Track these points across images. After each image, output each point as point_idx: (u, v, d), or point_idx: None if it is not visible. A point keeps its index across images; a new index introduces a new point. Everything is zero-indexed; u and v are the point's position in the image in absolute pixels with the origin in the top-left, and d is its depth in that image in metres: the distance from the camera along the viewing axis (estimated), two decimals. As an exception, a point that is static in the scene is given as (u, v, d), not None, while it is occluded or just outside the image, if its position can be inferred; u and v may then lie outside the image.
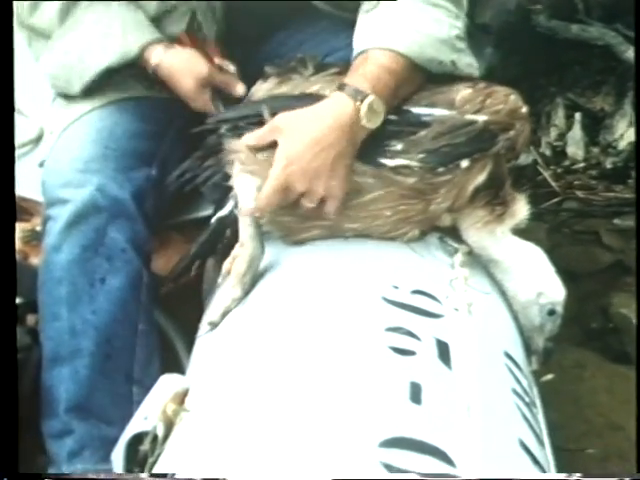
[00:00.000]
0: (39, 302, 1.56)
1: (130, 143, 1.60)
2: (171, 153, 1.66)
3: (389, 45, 1.40)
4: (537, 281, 1.44)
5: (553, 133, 3.08)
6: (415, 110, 1.41)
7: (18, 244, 1.75)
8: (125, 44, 1.56)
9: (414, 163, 1.37)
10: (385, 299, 1.25)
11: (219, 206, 1.52)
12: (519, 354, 1.35)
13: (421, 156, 1.37)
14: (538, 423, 1.26)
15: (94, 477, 1.47)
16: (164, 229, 1.65)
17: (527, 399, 1.24)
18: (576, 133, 3.04)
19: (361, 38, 1.45)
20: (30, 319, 1.63)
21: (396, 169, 1.38)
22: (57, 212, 1.53)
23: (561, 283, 1.45)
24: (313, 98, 1.40)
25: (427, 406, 1.06)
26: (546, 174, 3.01)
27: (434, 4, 1.46)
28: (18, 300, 1.59)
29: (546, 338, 1.45)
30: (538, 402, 1.36)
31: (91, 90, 1.60)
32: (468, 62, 1.47)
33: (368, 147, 1.38)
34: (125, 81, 1.63)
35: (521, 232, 1.49)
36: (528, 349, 1.44)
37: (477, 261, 1.46)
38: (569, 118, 3.07)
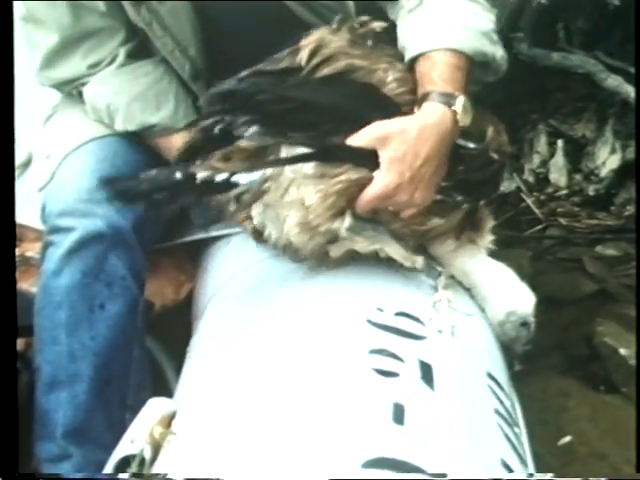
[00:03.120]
0: (36, 326, 1.58)
1: (130, 174, 1.61)
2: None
3: (447, 44, 1.43)
4: (506, 301, 1.48)
5: (536, 160, 3.09)
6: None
7: (7, 269, 1.76)
8: (176, 115, 1.64)
9: (447, 199, 1.43)
10: (369, 321, 1.27)
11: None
12: (502, 375, 1.37)
13: (452, 192, 1.43)
14: (521, 444, 1.27)
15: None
16: (154, 254, 1.67)
17: (509, 419, 1.26)
18: (558, 160, 3.05)
19: (415, 39, 1.47)
20: (19, 343, 1.64)
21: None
22: (59, 239, 1.55)
23: (529, 291, 1.49)
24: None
25: (410, 426, 1.08)
26: (529, 201, 3.01)
27: None
28: (6, 324, 1.60)
29: (523, 344, 1.50)
30: (522, 423, 1.37)
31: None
32: (502, 55, 1.51)
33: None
34: None
35: (505, 259, 1.52)
36: (509, 355, 1.48)
37: (460, 283, 1.48)
38: (551, 145, 3.07)
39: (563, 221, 2.97)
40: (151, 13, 1.62)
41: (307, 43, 1.43)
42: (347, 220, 1.37)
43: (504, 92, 3.00)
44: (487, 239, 1.49)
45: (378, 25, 1.50)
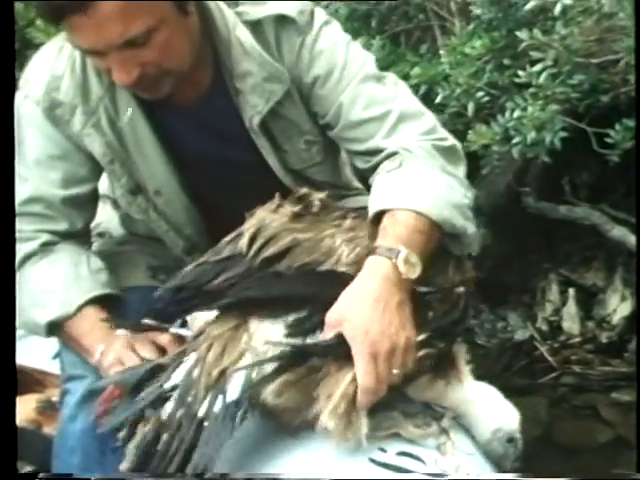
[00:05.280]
0: (53, 469, 1.63)
1: None
2: None
3: (411, 206, 1.46)
4: (492, 419, 1.51)
5: (549, 309, 3.12)
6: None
7: (33, 414, 1.84)
8: (65, 300, 1.61)
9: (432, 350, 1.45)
10: (372, 460, 1.33)
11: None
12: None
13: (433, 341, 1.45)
14: None
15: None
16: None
17: None
18: (571, 308, 3.08)
19: (384, 195, 1.52)
20: (42, 489, 1.69)
21: None
22: (74, 386, 1.63)
23: (513, 408, 1.53)
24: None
25: None
26: (543, 349, 3.03)
27: (449, 172, 1.58)
28: (29, 468, 1.66)
29: (512, 460, 1.52)
30: None
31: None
32: (474, 231, 1.55)
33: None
34: None
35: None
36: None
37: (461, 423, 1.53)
38: (563, 293, 3.11)
39: (577, 368, 2.98)
40: (148, 202, 1.72)
41: (248, 227, 1.48)
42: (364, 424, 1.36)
43: (514, 243, 3.08)
44: (465, 369, 1.52)
45: (317, 197, 1.54)
